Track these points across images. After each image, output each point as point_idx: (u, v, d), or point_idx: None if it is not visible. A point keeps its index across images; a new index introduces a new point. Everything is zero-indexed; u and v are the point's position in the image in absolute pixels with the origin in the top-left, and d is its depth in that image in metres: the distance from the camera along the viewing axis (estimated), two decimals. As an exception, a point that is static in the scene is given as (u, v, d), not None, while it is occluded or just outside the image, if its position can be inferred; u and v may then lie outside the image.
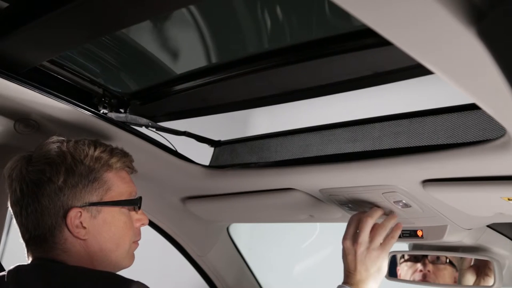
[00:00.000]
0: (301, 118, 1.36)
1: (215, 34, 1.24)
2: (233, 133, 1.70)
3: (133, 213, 1.14)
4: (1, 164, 1.37)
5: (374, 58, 1.07)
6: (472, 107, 1.08)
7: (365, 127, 1.26)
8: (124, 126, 1.38)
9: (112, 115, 1.38)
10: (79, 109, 1.27)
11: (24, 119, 1.31)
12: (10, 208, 1.10)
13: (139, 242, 1.17)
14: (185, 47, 1.34)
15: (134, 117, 1.42)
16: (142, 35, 1.29)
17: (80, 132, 1.30)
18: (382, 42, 0.91)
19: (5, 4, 1.01)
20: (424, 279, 1.54)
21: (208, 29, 1.23)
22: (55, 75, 1.33)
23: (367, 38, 1.00)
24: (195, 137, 1.52)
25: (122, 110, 1.47)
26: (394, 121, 1.21)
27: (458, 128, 1.09)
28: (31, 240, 1.07)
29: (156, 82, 1.45)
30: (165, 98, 1.44)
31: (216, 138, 1.63)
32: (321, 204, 1.45)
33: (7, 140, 1.39)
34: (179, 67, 1.40)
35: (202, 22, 1.22)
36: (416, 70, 1.01)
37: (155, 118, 1.50)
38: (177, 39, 1.30)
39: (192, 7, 1.15)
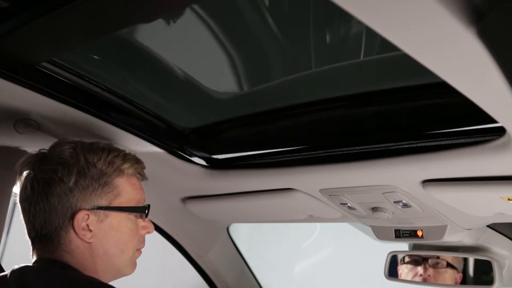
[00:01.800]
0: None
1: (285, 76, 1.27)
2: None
3: (139, 220, 1.14)
4: (1, 164, 1.37)
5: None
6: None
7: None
8: (125, 126, 1.38)
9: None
10: (78, 109, 1.27)
11: (24, 119, 1.31)
12: (18, 205, 1.10)
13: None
14: (246, 90, 1.37)
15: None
16: (205, 77, 1.32)
17: (80, 132, 1.30)
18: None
19: (5, 4, 1.01)
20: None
21: (273, 73, 1.27)
22: (134, 116, 1.40)
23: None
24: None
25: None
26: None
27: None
28: (37, 238, 1.07)
29: (215, 120, 1.48)
30: (222, 134, 1.48)
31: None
32: (321, 204, 1.45)
33: (7, 140, 1.38)
34: (238, 108, 1.43)
35: (261, 68, 1.27)
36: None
37: (211, 151, 1.54)
38: (239, 84, 1.33)
39: (255, 51, 1.19)
